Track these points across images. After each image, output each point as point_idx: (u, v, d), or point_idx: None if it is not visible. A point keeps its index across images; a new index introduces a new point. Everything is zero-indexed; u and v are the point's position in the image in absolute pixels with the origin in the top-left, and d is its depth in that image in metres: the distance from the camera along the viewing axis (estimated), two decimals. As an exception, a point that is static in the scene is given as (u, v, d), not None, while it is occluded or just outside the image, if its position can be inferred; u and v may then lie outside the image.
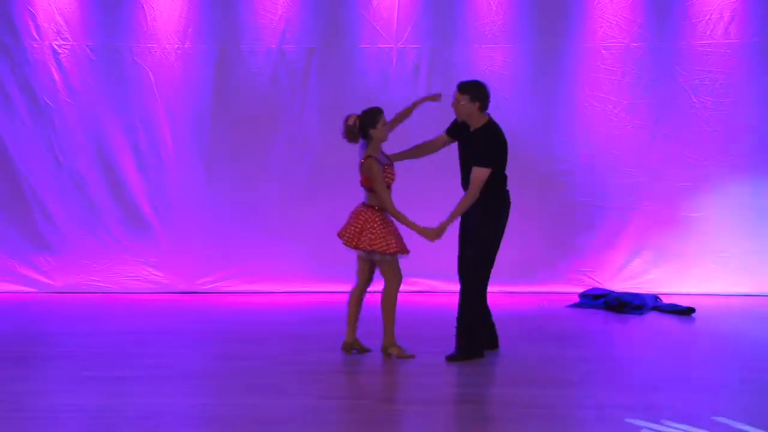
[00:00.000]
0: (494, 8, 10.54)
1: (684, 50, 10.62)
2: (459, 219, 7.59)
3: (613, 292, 10.27)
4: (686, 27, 10.59)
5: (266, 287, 10.73)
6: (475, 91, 7.45)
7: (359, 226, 7.49)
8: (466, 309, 7.45)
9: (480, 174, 7.33)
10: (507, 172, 7.66)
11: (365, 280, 7.68)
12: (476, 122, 7.50)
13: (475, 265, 7.42)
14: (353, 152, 10.22)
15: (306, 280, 10.72)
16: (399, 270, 7.60)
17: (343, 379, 7.04)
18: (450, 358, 7.48)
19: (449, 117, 7.85)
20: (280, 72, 10.63)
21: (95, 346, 7.92)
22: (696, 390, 6.74)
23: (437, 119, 8.29)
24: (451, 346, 7.66)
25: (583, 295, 10.32)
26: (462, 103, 7.43)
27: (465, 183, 7.55)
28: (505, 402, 6.41)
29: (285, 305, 10.08)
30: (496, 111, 10.11)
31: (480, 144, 7.41)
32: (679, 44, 10.61)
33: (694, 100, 10.63)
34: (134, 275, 10.72)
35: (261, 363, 7.31)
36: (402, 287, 7.68)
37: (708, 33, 10.57)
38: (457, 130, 7.69)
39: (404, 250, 7.56)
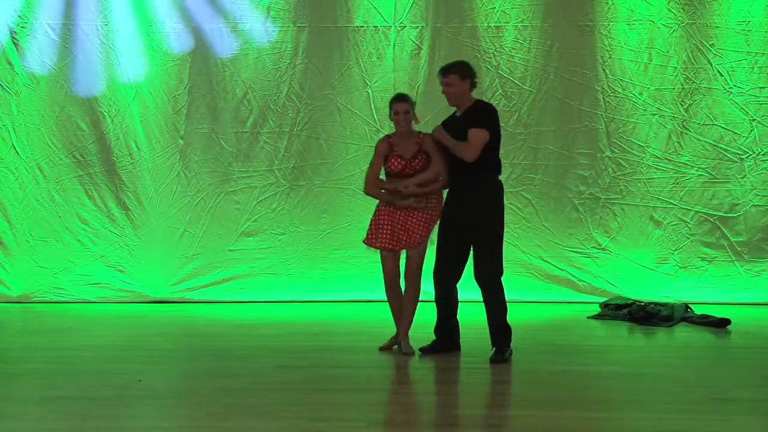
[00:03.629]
0: (505, -17, 10.42)
1: (719, 29, 10.28)
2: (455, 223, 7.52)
3: (638, 301, 9.91)
4: (722, 3, 10.28)
5: (249, 296, 10.43)
6: (461, 69, 7.44)
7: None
8: (503, 308, 7.51)
9: (480, 135, 7.28)
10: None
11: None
12: (466, 103, 7.48)
13: (499, 263, 7.46)
14: (345, 144, 10.23)
15: (294, 288, 10.44)
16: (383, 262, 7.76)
17: (335, 398, 6.57)
18: (499, 361, 7.42)
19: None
20: (265, 54, 10.35)
21: (56, 363, 7.58)
22: (739, 412, 6.28)
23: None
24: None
25: (604, 305, 10.00)
26: (453, 84, 7.40)
27: (459, 164, 7.44)
28: (530, 427, 5.94)
29: (269, 316, 9.81)
30: (507, 99, 9.66)
31: (477, 114, 7.39)
32: (713, 22, 10.27)
33: (730, 86, 10.28)
34: (102, 282, 10.38)
35: (241, 381, 6.95)
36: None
37: (747, 10, 10.26)
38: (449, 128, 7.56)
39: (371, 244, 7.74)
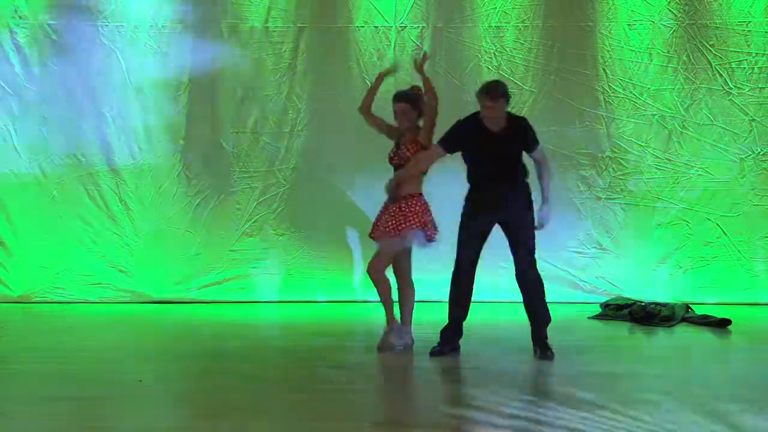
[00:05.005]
0: (505, -18, 10.39)
1: (719, 29, 10.27)
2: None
3: (639, 301, 9.86)
4: (722, 3, 10.26)
5: (249, 296, 10.39)
6: (506, 93, 7.42)
7: None
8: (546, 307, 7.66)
9: (544, 151, 7.66)
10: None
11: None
12: (503, 119, 7.45)
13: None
14: (344, 143, 10.19)
15: (294, 288, 10.40)
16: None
17: (335, 398, 6.48)
18: (549, 358, 7.56)
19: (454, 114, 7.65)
20: (265, 53, 10.31)
21: (56, 363, 7.50)
22: (739, 412, 6.17)
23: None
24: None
25: (605, 305, 9.98)
26: (500, 108, 7.38)
27: (500, 176, 7.51)
28: (531, 426, 5.87)
29: (269, 316, 9.86)
30: None
31: (528, 132, 7.52)
32: (713, 22, 10.27)
33: (730, 86, 10.24)
34: (103, 282, 10.31)
35: (241, 381, 6.90)
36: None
37: (747, 10, 10.24)
38: (461, 143, 7.51)
39: None
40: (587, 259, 10.37)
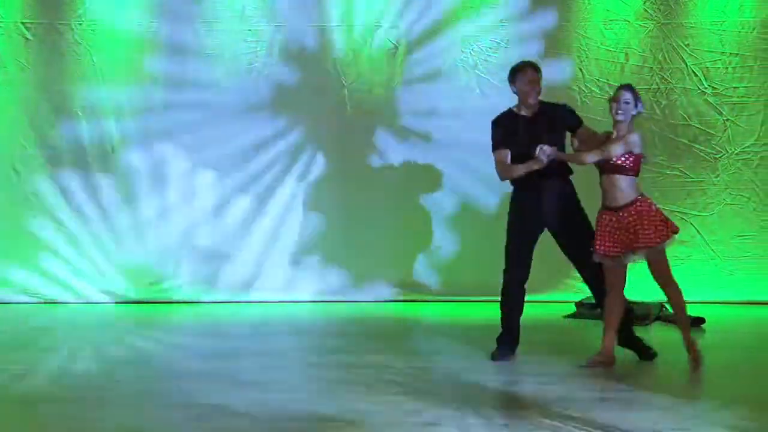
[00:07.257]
0: (481, -17, 10.38)
1: (694, 29, 10.36)
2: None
3: None
4: (696, 3, 10.34)
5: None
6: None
7: None
8: None
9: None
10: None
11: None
12: (537, 104, 7.38)
13: None
14: (321, 143, 9.75)
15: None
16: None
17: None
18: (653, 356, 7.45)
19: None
20: (240, 53, 10.29)
21: (37, 364, 7.46)
22: (711, 410, 6.17)
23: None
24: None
25: (580, 304, 9.95)
26: (539, 82, 7.37)
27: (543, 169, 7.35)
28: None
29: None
30: (484, 99, 9.64)
31: (567, 111, 7.52)
32: (688, 22, 10.35)
33: (705, 86, 10.31)
34: (77, 281, 10.27)
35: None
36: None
37: (721, 10, 10.31)
38: (504, 136, 7.36)
39: None
40: (562, 257, 10.27)
